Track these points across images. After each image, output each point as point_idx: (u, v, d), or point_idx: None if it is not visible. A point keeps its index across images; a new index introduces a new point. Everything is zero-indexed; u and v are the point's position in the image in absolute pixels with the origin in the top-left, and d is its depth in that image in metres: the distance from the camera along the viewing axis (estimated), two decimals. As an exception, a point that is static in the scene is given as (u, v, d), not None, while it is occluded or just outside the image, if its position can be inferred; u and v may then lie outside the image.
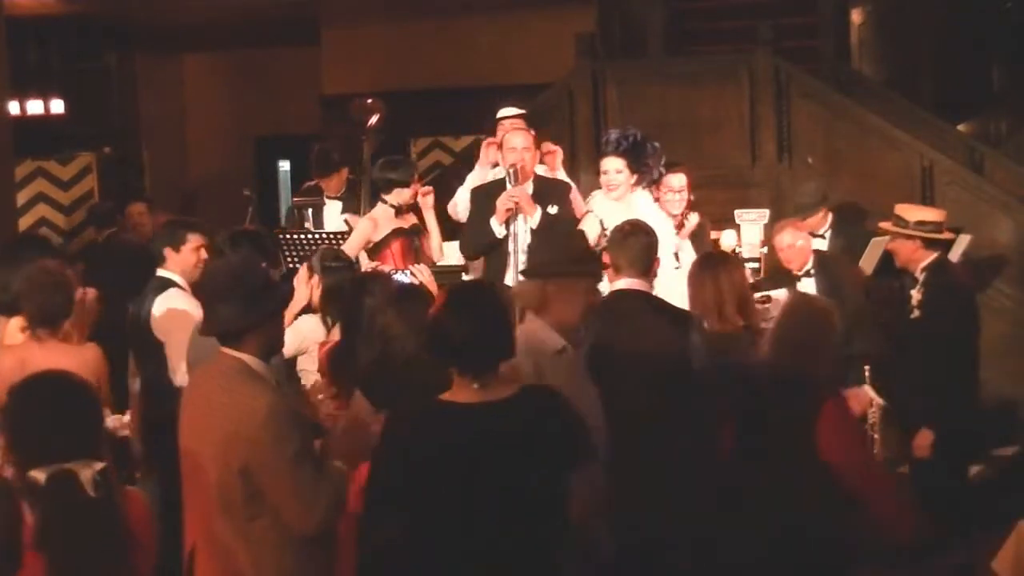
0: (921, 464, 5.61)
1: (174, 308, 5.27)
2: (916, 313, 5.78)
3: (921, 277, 5.78)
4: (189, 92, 14.69)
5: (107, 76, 13.23)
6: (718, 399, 4.27)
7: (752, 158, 8.88)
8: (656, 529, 4.19)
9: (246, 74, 14.15)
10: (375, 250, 6.30)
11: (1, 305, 5.07)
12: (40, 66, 12.52)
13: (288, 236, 6.90)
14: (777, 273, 6.59)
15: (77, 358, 4.51)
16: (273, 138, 14.21)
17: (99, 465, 2.99)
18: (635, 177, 6.21)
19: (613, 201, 6.16)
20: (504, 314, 3.32)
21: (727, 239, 6.84)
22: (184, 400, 3.62)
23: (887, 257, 6.29)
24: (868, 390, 5.77)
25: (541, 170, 6.39)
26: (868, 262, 6.84)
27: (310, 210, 7.64)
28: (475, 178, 6.67)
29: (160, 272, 5.40)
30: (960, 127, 10.70)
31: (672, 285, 5.48)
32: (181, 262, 5.37)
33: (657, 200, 6.43)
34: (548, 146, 6.71)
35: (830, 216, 7.02)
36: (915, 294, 5.79)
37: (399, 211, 6.28)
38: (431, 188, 6.59)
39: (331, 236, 6.73)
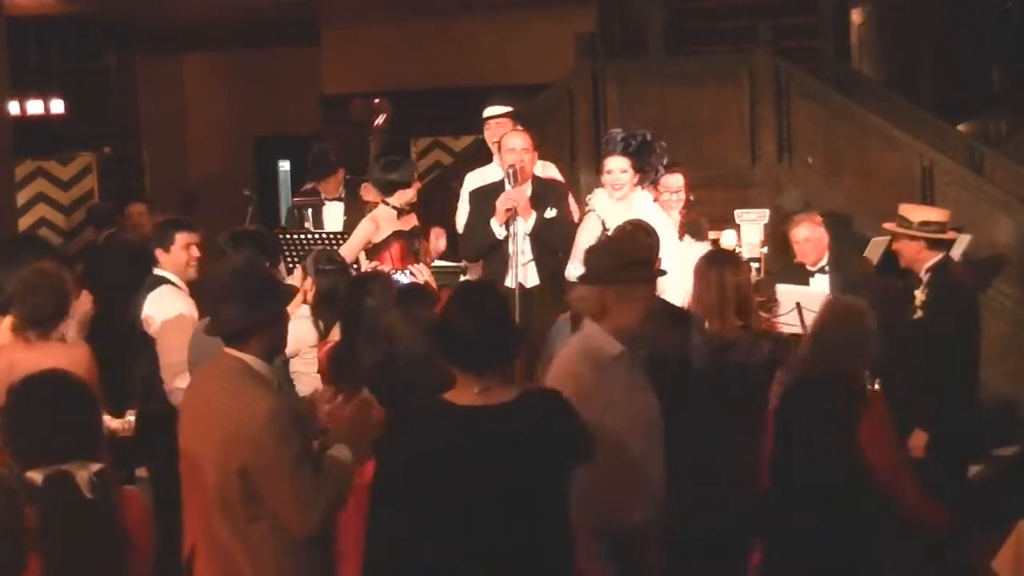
0: (918, 464, 5.61)
1: (165, 305, 5.37)
2: (919, 314, 5.77)
3: (925, 278, 5.78)
4: (189, 92, 14.69)
5: (107, 76, 13.23)
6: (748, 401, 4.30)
7: (752, 158, 8.88)
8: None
9: (246, 74, 14.15)
10: (374, 251, 6.30)
11: (-3, 306, 5.07)
12: (40, 66, 12.52)
13: (288, 236, 6.90)
14: (790, 267, 6.59)
15: (65, 358, 4.50)
16: (273, 138, 14.21)
17: (96, 466, 2.99)
18: (637, 177, 6.21)
19: (614, 200, 6.15)
20: (507, 315, 3.32)
21: (727, 239, 6.84)
22: (184, 400, 3.62)
23: (890, 257, 6.30)
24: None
25: (539, 169, 6.38)
26: (869, 262, 6.85)
27: (310, 210, 7.64)
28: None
29: (155, 271, 5.51)
30: (960, 127, 10.70)
31: (673, 285, 5.49)
32: (172, 261, 5.48)
33: (655, 200, 6.42)
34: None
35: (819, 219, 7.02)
36: (919, 294, 5.79)
37: (400, 212, 6.28)
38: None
39: (331, 236, 6.73)
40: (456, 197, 6.77)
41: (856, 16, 11.88)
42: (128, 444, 5.48)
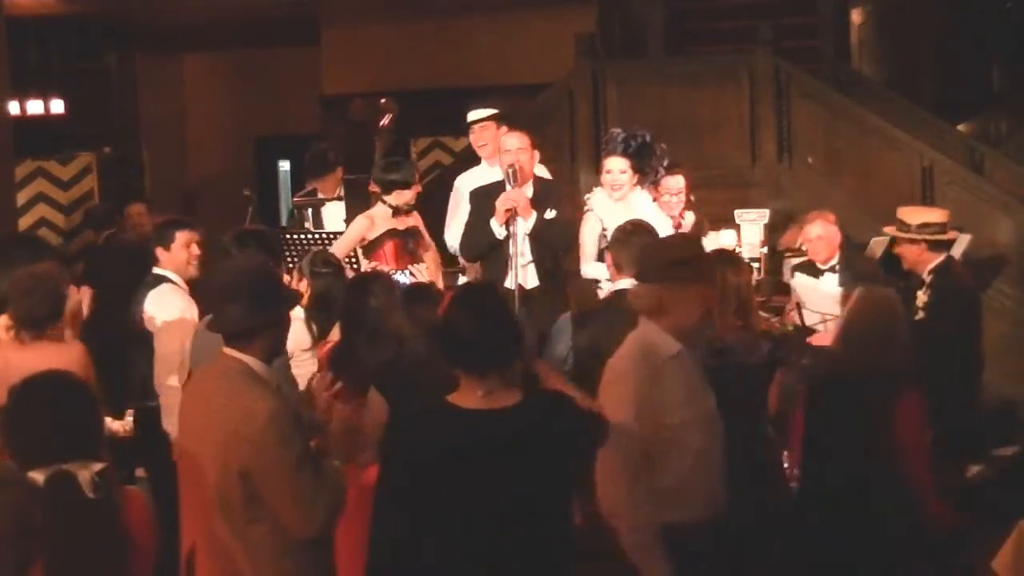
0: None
1: (164, 303, 5.39)
2: (921, 315, 5.78)
3: (928, 279, 5.78)
4: (189, 92, 14.69)
5: (107, 76, 13.23)
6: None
7: (752, 158, 8.88)
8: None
9: (246, 74, 14.15)
10: (369, 249, 6.31)
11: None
12: (40, 66, 12.52)
13: (289, 236, 6.91)
14: (801, 265, 6.60)
15: (60, 358, 4.51)
16: (273, 138, 14.21)
17: (98, 466, 2.99)
18: (636, 177, 6.21)
19: (612, 201, 6.15)
20: (509, 316, 3.31)
21: (727, 239, 6.84)
22: (183, 400, 3.62)
23: (890, 257, 6.30)
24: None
25: (539, 170, 6.39)
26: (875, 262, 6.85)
27: (310, 210, 7.64)
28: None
29: (155, 270, 5.54)
30: (960, 127, 10.70)
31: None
32: (172, 259, 5.52)
33: (656, 200, 6.43)
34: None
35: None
36: (921, 295, 5.80)
37: (396, 212, 6.27)
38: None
39: (332, 237, 6.73)
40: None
41: (856, 16, 11.89)
42: (128, 444, 5.48)
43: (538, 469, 3.13)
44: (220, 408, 3.33)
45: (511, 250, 5.94)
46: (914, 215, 5.96)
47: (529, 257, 6.01)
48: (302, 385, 5.14)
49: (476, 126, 6.64)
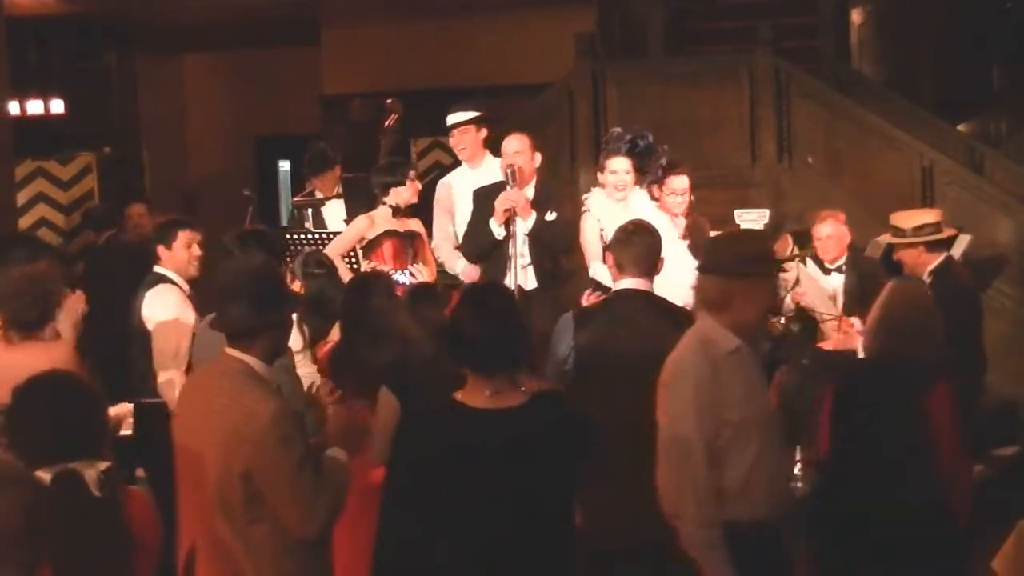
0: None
1: (162, 303, 5.41)
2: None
3: (928, 280, 5.78)
4: (189, 92, 14.69)
5: (107, 76, 13.22)
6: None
7: (752, 158, 8.88)
8: (656, 531, 4.19)
9: (246, 74, 14.15)
10: (368, 249, 6.31)
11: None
12: (40, 66, 12.51)
13: (289, 236, 6.91)
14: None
15: (47, 358, 4.51)
16: (273, 138, 14.21)
17: (103, 465, 3.00)
18: (635, 177, 6.22)
19: (613, 201, 6.15)
20: (516, 315, 3.31)
21: (727, 239, 6.83)
22: (182, 399, 3.62)
23: (890, 259, 6.30)
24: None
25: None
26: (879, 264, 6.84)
27: (310, 211, 7.65)
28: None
29: (156, 269, 5.56)
30: (960, 127, 10.69)
31: (675, 285, 5.49)
32: (173, 258, 5.54)
33: (657, 200, 6.43)
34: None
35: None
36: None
37: (396, 212, 6.27)
38: None
39: (332, 236, 6.73)
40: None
41: (856, 16, 11.89)
42: (128, 444, 5.48)
43: (544, 468, 3.14)
44: (222, 408, 3.33)
45: (510, 251, 5.95)
46: (907, 219, 5.95)
47: (528, 259, 6.02)
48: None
49: (455, 130, 6.65)
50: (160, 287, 5.45)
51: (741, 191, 8.42)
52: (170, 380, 5.24)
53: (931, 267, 5.79)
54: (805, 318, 6.43)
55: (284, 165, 14.86)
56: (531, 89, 9.82)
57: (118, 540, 2.99)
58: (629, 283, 4.46)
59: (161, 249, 5.55)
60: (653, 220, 5.44)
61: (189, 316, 5.38)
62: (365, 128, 10.45)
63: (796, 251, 6.84)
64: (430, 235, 6.58)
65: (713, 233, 6.83)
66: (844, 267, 6.44)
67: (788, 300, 6.40)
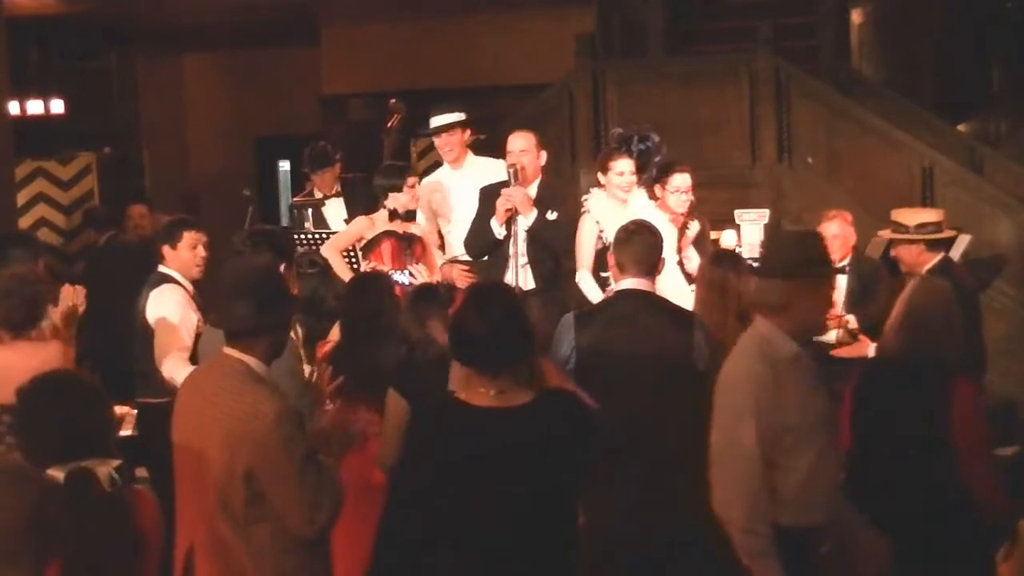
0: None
1: (166, 302, 5.40)
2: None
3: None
4: (189, 92, 14.70)
5: (107, 76, 13.23)
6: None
7: (752, 158, 8.88)
8: (656, 529, 4.19)
9: (246, 74, 14.16)
10: (367, 249, 6.32)
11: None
12: (40, 66, 12.51)
13: (296, 237, 6.90)
14: None
15: (39, 356, 4.53)
16: (273, 138, 14.22)
17: (115, 463, 3.02)
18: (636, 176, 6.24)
19: (615, 201, 6.16)
20: (521, 316, 3.32)
21: (727, 239, 6.84)
22: (181, 399, 3.61)
23: (887, 260, 6.30)
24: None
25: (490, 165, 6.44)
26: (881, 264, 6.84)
27: (310, 210, 7.65)
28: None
29: (160, 268, 5.55)
30: (960, 127, 10.69)
31: (675, 286, 5.50)
32: (178, 258, 5.53)
33: (658, 199, 6.43)
34: None
35: None
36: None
37: (393, 215, 6.27)
38: None
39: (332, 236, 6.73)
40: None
41: (856, 16, 11.87)
42: (130, 443, 5.48)
43: (550, 467, 3.15)
44: (225, 408, 3.34)
45: (511, 250, 5.95)
46: (910, 216, 5.96)
47: (526, 260, 6.03)
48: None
49: (444, 132, 6.67)
50: (164, 287, 5.45)
51: (741, 191, 8.42)
52: (176, 365, 5.21)
53: (928, 266, 5.79)
54: None
55: (284, 165, 14.87)
56: (531, 89, 9.82)
57: (129, 538, 3.00)
58: (630, 283, 4.46)
59: (166, 249, 5.54)
60: (653, 220, 5.46)
61: (192, 316, 5.38)
62: (365, 128, 10.45)
63: None
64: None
65: (714, 234, 6.86)
66: (848, 268, 6.44)
67: None
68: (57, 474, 2.95)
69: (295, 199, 8.12)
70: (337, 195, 7.75)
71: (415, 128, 8.17)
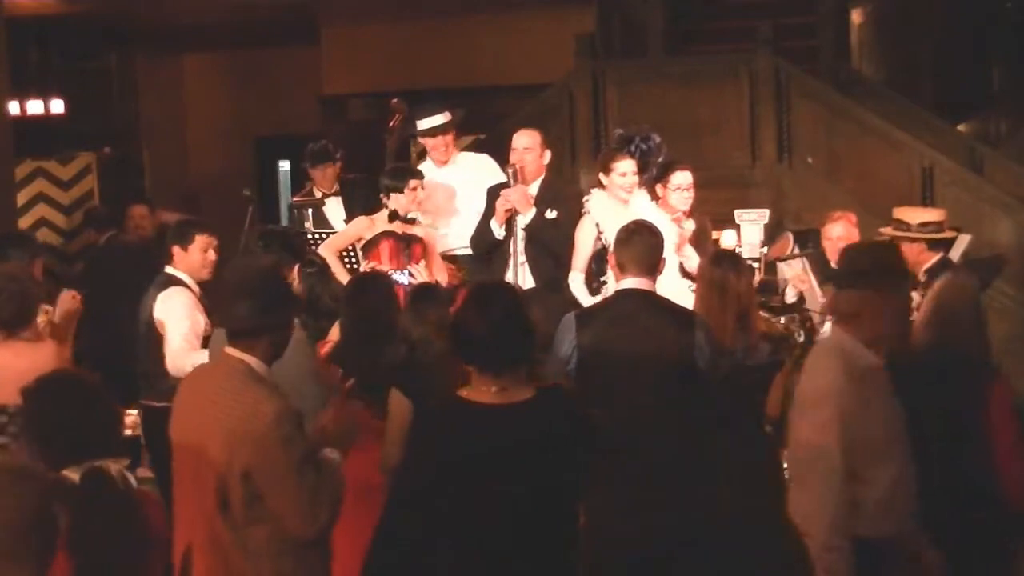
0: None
1: (174, 304, 5.40)
2: (916, 315, 5.77)
3: (924, 279, 5.78)
4: (189, 92, 14.69)
5: (107, 76, 13.22)
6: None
7: (752, 158, 8.88)
8: (656, 529, 4.19)
9: (246, 74, 14.15)
10: (366, 249, 6.33)
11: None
12: (40, 66, 12.51)
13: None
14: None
15: (33, 356, 4.54)
16: (273, 138, 14.21)
17: (125, 461, 3.03)
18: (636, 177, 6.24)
19: (616, 202, 6.16)
20: (523, 314, 3.32)
21: (727, 239, 6.84)
22: (181, 398, 3.61)
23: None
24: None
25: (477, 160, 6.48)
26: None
27: (310, 210, 7.65)
28: None
29: (168, 269, 5.55)
30: (960, 127, 10.69)
31: (676, 286, 5.50)
32: (187, 259, 5.53)
33: (659, 199, 6.44)
34: None
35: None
36: (916, 296, 5.78)
37: (393, 216, 6.28)
38: None
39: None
40: None
41: (856, 16, 11.88)
42: (133, 444, 5.49)
43: (550, 465, 3.16)
44: (225, 408, 3.34)
45: (511, 249, 5.96)
46: (913, 215, 5.96)
47: (524, 257, 6.04)
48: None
49: (437, 133, 6.71)
50: (172, 289, 5.43)
51: (741, 191, 8.42)
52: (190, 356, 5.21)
53: (927, 266, 5.80)
54: (805, 318, 6.43)
55: (284, 165, 14.87)
56: (531, 89, 9.82)
57: (140, 537, 3.02)
58: (631, 283, 4.46)
59: (176, 249, 5.53)
60: (653, 220, 5.46)
61: (200, 319, 5.38)
62: (365, 128, 10.45)
63: (796, 251, 6.85)
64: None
65: (714, 234, 6.86)
66: None
67: (790, 291, 6.41)
68: (72, 475, 2.96)
69: (295, 199, 8.12)
70: (336, 194, 7.76)
71: (413, 127, 8.18)
